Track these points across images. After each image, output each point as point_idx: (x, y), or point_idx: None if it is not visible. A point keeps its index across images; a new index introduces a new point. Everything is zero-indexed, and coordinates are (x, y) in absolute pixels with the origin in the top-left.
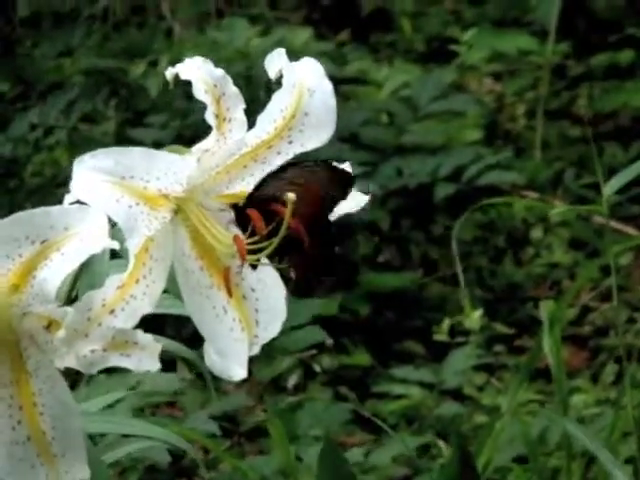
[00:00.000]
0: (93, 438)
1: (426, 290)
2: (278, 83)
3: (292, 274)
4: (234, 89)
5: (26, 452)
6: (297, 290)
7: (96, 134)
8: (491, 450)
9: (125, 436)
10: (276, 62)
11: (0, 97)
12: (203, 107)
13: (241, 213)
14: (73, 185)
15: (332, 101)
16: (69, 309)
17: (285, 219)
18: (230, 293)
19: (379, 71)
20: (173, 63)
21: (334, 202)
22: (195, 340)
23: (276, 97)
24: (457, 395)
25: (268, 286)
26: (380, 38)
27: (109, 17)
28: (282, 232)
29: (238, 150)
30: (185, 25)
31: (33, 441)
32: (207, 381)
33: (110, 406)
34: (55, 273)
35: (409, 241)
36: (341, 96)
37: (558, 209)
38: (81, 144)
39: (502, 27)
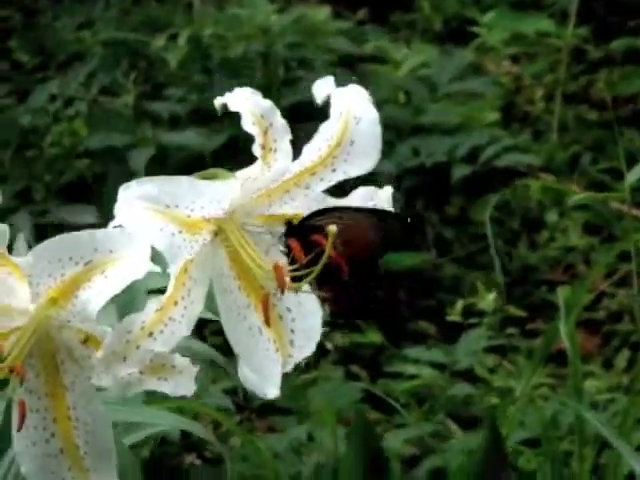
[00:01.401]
0: None
1: (440, 271)
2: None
3: (328, 307)
4: (281, 120)
5: (58, 465)
6: (332, 315)
7: (115, 106)
8: (504, 432)
9: None
10: (323, 88)
11: (20, 67)
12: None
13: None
14: (118, 211)
15: (378, 130)
16: (108, 329)
17: (326, 250)
18: (269, 322)
19: (397, 50)
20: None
21: (384, 249)
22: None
23: (323, 126)
24: (469, 376)
25: (304, 307)
26: (399, 17)
27: None
28: (322, 261)
29: (281, 177)
30: (205, 0)
31: (66, 454)
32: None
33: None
34: (98, 295)
35: (424, 221)
36: (358, 75)
37: (578, 196)
38: (100, 116)
39: (521, 9)
